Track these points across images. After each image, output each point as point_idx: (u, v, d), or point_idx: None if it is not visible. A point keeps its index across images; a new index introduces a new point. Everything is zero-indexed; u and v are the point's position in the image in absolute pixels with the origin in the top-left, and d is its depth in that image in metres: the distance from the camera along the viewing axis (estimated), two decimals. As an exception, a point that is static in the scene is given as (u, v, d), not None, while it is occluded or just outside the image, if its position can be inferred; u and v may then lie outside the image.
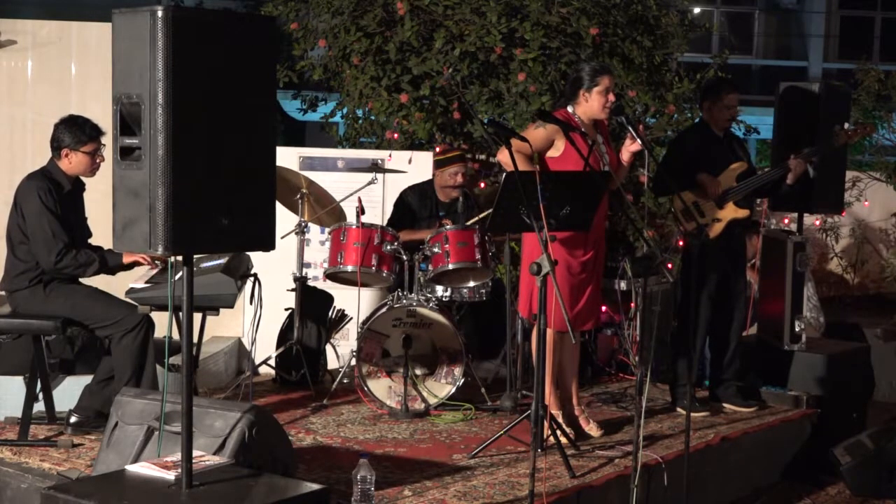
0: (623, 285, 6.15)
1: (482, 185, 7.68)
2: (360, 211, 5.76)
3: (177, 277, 3.84)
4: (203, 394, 5.62)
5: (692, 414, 4.96)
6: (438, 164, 6.39)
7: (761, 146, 15.28)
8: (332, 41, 7.91)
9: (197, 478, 3.47)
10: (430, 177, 6.57)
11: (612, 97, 5.05)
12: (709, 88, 6.05)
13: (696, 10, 17.18)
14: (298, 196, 6.02)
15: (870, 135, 8.27)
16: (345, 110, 8.20)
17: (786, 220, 8.48)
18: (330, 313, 6.42)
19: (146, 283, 5.01)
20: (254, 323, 5.48)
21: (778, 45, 22.07)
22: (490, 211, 4.89)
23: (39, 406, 4.99)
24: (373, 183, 6.18)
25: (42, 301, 4.92)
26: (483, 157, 7.99)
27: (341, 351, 6.45)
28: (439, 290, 5.83)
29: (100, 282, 5.14)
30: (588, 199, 4.79)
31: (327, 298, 6.43)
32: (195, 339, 4.64)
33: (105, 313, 4.88)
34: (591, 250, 5.12)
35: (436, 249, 5.65)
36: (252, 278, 5.46)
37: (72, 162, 4.99)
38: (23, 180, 5.00)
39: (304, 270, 6.11)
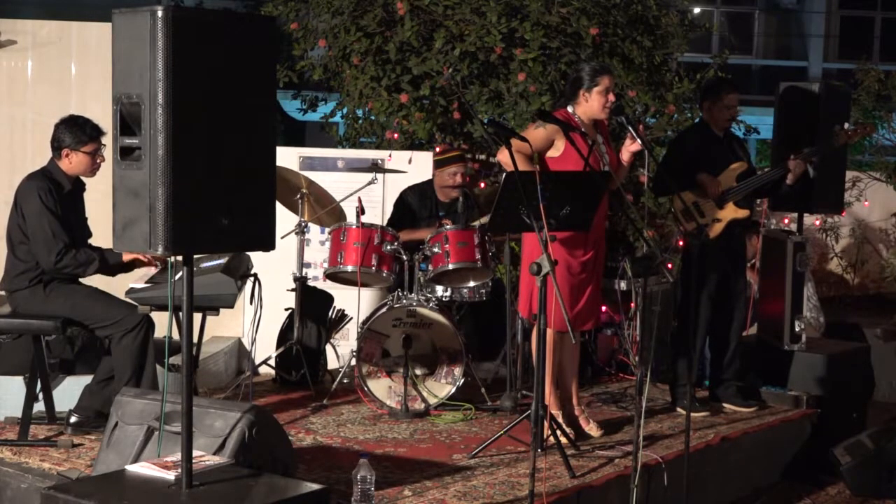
0: (623, 285, 6.15)
1: (482, 185, 7.68)
2: (360, 211, 5.76)
3: (177, 277, 3.84)
4: (203, 394, 5.62)
5: (692, 414, 4.96)
6: (438, 164, 6.39)
7: (761, 146, 15.28)
8: (332, 41, 7.91)
9: (197, 478, 3.46)
10: (430, 177, 6.57)
11: (612, 97, 5.05)
12: (709, 88, 6.05)
13: (696, 10, 17.18)
14: (298, 196, 6.02)
15: (870, 135, 8.28)
16: (345, 110, 8.20)
17: (786, 220, 8.48)
18: (330, 313, 6.42)
19: (146, 283, 5.01)
20: (254, 323, 5.48)
21: (778, 45, 22.07)
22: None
23: (39, 406, 4.99)
24: (373, 183, 6.18)
25: (42, 301, 4.92)
26: (483, 157, 7.99)
27: (341, 351, 6.45)
28: (439, 290, 5.84)
29: (100, 282, 5.14)
30: (588, 199, 4.79)
31: (327, 298, 6.43)
32: (195, 339, 4.64)
33: (105, 313, 4.88)
34: (591, 250, 5.12)
35: (436, 249, 5.65)
36: (252, 278, 5.46)
37: (72, 162, 4.99)
38: (23, 180, 5.00)
39: (304, 270, 6.11)
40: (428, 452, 4.92)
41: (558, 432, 4.75)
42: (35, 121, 7.24)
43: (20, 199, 4.95)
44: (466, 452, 4.87)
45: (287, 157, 6.67)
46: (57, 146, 4.99)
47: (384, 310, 5.67)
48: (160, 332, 4.82)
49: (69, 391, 5.19)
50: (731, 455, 5.47)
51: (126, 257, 5.03)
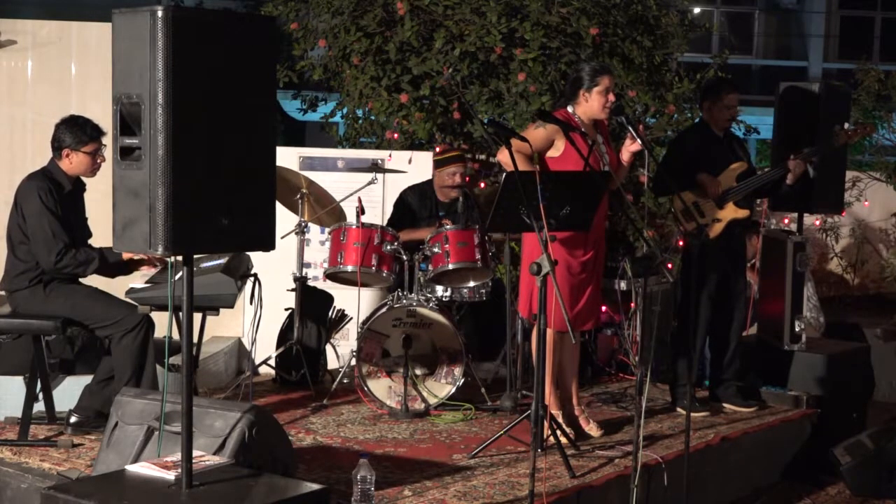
0: (623, 285, 6.15)
1: (482, 185, 7.68)
2: (360, 211, 5.76)
3: (177, 277, 3.84)
4: (203, 394, 5.62)
5: (692, 414, 4.96)
6: (437, 164, 6.40)
7: (761, 146, 15.28)
8: (332, 41, 7.91)
9: (197, 478, 3.46)
10: (430, 177, 6.57)
11: (612, 97, 5.05)
12: (709, 88, 6.05)
13: (696, 10, 17.18)
14: (298, 196, 6.02)
15: (870, 135, 8.28)
16: (345, 110, 8.20)
17: (786, 220, 8.48)
18: (330, 313, 6.42)
19: (146, 283, 5.01)
20: (254, 323, 5.48)
21: (778, 45, 22.07)
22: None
23: (39, 406, 4.99)
24: (373, 183, 6.18)
25: (42, 301, 4.92)
26: (483, 157, 7.99)
27: (341, 351, 6.45)
28: (439, 290, 5.84)
29: (100, 282, 5.14)
30: (588, 199, 4.79)
31: (327, 298, 6.43)
32: (195, 339, 4.64)
33: (105, 313, 4.88)
34: (591, 250, 5.12)
35: (436, 249, 5.65)
36: (252, 278, 5.45)
37: (72, 162, 4.99)
38: (23, 180, 5.00)
39: (304, 270, 6.11)
40: (428, 452, 4.91)
41: (558, 432, 4.75)
42: (35, 121, 7.24)
43: (20, 199, 4.95)
44: (466, 452, 4.87)
45: (287, 157, 6.67)
46: (57, 146, 4.99)
47: (384, 310, 5.67)
48: (160, 332, 4.82)
49: (69, 391, 5.19)
50: (731, 455, 5.47)
51: (126, 256, 5.03)
